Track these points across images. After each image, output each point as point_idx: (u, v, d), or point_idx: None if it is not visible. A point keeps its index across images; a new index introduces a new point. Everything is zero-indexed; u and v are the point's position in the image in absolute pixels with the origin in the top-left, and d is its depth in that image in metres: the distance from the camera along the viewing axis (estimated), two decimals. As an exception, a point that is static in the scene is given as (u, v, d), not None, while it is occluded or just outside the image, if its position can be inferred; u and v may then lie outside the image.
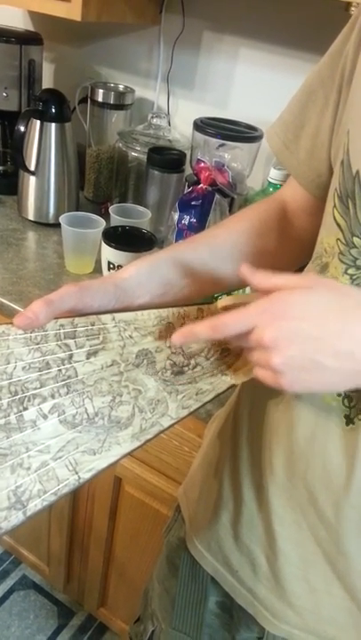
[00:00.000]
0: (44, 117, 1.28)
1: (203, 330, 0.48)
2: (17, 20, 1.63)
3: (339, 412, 0.53)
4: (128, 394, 0.52)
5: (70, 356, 0.50)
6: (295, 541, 0.61)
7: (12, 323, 0.48)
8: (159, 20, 1.41)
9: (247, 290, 0.94)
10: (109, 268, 1.11)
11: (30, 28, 1.62)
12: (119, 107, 1.46)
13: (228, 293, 0.87)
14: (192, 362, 0.56)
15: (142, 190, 1.36)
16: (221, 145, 1.19)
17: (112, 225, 1.18)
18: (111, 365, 0.52)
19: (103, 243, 1.10)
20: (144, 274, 0.59)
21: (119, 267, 1.08)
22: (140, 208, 1.28)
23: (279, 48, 1.28)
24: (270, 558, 0.65)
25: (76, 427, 0.49)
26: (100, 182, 1.53)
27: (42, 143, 1.30)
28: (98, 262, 1.19)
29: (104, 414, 0.51)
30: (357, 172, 0.50)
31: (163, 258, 0.62)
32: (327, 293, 0.45)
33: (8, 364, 0.48)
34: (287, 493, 0.60)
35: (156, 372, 0.54)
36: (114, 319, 0.53)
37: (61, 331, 0.50)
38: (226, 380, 0.58)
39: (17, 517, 0.45)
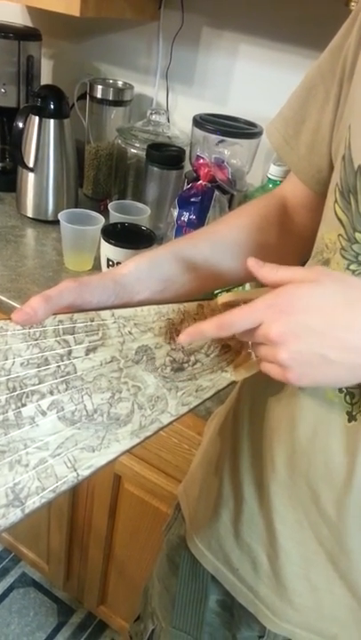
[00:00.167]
0: (43, 114, 1.28)
1: (210, 328, 0.48)
2: (15, 15, 1.62)
3: (341, 408, 0.53)
4: (127, 390, 0.52)
5: (69, 353, 0.50)
6: (296, 540, 0.61)
7: (10, 318, 0.47)
8: (158, 16, 1.40)
9: (247, 286, 0.93)
10: (108, 265, 1.10)
11: (29, 23, 1.61)
12: (118, 103, 1.46)
13: (228, 290, 0.87)
14: (192, 358, 0.56)
15: (141, 187, 1.35)
16: (221, 141, 1.18)
17: (111, 222, 1.17)
18: (110, 362, 0.52)
19: (102, 240, 1.09)
20: (143, 270, 0.59)
21: (118, 264, 1.08)
22: (140, 205, 1.27)
23: (279, 44, 1.27)
24: (271, 556, 0.64)
25: (75, 423, 0.49)
26: (99, 179, 1.52)
27: (40, 140, 1.29)
28: (97, 259, 1.18)
29: (103, 411, 0.50)
30: (359, 166, 0.50)
31: (162, 254, 0.62)
32: (333, 286, 0.45)
33: (6, 360, 0.47)
34: (288, 491, 0.60)
35: (155, 368, 0.54)
36: (113, 315, 0.52)
37: (60, 327, 0.50)
38: (226, 377, 0.57)
39: (15, 515, 0.44)
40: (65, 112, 1.31)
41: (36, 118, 1.28)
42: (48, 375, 0.49)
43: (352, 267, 0.51)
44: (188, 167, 1.29)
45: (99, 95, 1.44)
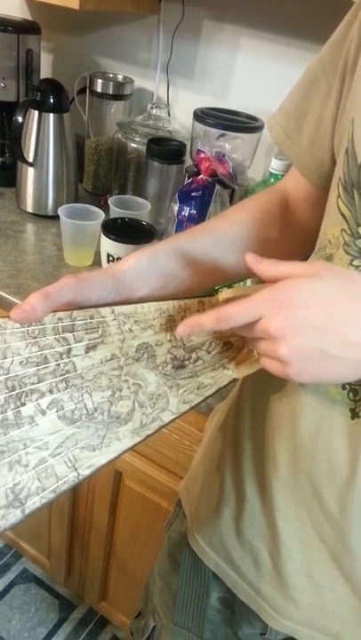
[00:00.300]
0: (43, 108, 1.27)
1: (208, 320, 0.47)
2: (14, 8, 1.61)
3: (344, 405, 0.53)
4: (128, 388, 0.51)
5: (69, 350, 0.49)
6: (299, 537, 0.61)
7: (8, 316, 0.47)
8: (158, 9, 1.39)
9: (248, 282, 0.93)
10: (109, 261, 1.10)
11: (28, 17, 1.59)
12: (118, 97, 1.45)
13: (230, 286, 0.86)
14: (193, 355, 0.55)
15: (142, 182, 1.35)
16: (222, 135, 1.18)
17: (111, 217, 1.17)
18: (111, 359, 0.51)
19: (102, 235, 1.09)
20: (144, 265, 0.58)
21: (118, 259, 1.07)
22: (140, 200, 1.27)
23: (280, 37, 1.26)
24: (273, 554, 0.64)
25: (75, 422, 0.48)
26: (100, 174, 1.51)
27: (40, 134, 1.29)
28: (97, 254, 1.18)
29: (104, 409, 0.50)
30: (363, 160, 0.49)
31: (163, 249, 0.61)
32: (335, 281, 0.44)
33: (5, 358, 0.47)
34: (291, 489, 0.59)
35: (156, 366, 0.53)
36: (113, 312, 0.52)
37: (59, 324, 0.49)
38: (228, 374, 0.57)
39: (15, 516, 0.44)
40: (65, 106, 1.30)
41: (36, 112, 1.27)
42: (47, 374, 0.48)
43: (355, 262, 0.51)
44: (188, 162, 1.28)
45: (99, 89, 1.43)
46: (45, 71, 1.64)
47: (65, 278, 0.50)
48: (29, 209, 1.36)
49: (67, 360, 0.49)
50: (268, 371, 0.47)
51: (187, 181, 1.18)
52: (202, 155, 1.14)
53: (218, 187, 1.14)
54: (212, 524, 0.72)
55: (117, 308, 0.52)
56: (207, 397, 0.56)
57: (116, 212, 1.18)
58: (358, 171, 0.50)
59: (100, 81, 1.42)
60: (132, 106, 1.50)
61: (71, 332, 0.49)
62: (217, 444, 0.74)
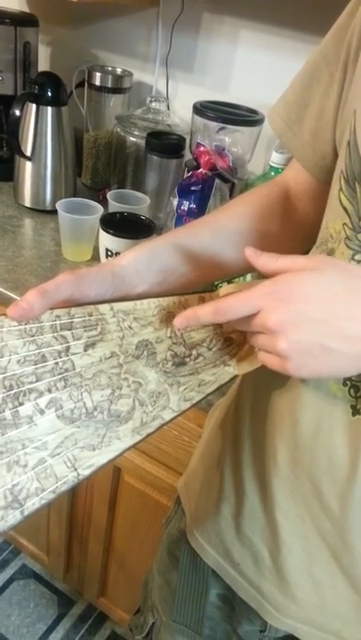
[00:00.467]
0: (40, 101, 1.26)
1: (206, 313, 0.47)
2: (11, 0, 1.59)
3: (344, 402, 0.52)
4: (128, 387, 0.51)
5: (67, 349, 0.48)
6: (299, 534, 0.60)
7: (5, 314, 0.46)
8: (158, 2, 1.37)
9: (248, 277, 0.92)
10: (107, 256, 1.09)
11: (25, 9, 1.58)
12: (117, 90, 1.44)
13: (230, 281, 0.85)
14: (194, 352, 0.55)
15: (141, 176, 1.34)
16: (222, 129, 1.17)
17: (110, 211, 1.16)
18: (110, 357, 0.50)
19: (101, 229, 1.08)
20: (143, 260, 0.57)
21: (117, 254, 1.07)
22: (139, 194, 1.26)
23: (281, 30, 1.25)
24: (273, 551, 0.64)
25: (75, 422, 0.48)
26: (98, 168, 1.50)
27: (38, 128, 1.28)
28: (96, 249, 1.17)
29: (103, 408, 0.49)
30: (366, 153, 0.49)
31: (162, 244, 0.60)
32: (335, 274, 0.44)
33: (2, 357, 0.46)
34: (291, 486, 0.59)
35: (156, 363, 0.53)
36: (112, 309, 0.51)
37: (57, 322, 0.48)
38: (229, 371, 0.56)
39: (14, 517, 0.43)
40: (63, 100, 1.29)
41: (34, 106, 1.26)
42: (46, 372, 0.47)
43: (357, 257, 0.50)
44: (188, 155, 1.27)
45: (97, 82, 1.42)
46: (43, 64, 1.63)
47: (62, 275, 0.49)
48: (27, 203, 1.36)
49: (65, 358, 0.48)
50: (267, 365, 0.47)
51: (186, 175, 1.17)
52: (201, 148, 1.13)
53: (218, 181, 1.13)
54: (211, 521, 0.71)
55: (116, 305, 0.52)
56: (208, 395, 0.55)
57: (114, 206, 1.17)
58: (361, 164, 0.49)
59: (98, 74, 1.41)
60: (130, 99, 1.49)
61: (69, 330, 0.49)
62: (217, 440, 0.73)
